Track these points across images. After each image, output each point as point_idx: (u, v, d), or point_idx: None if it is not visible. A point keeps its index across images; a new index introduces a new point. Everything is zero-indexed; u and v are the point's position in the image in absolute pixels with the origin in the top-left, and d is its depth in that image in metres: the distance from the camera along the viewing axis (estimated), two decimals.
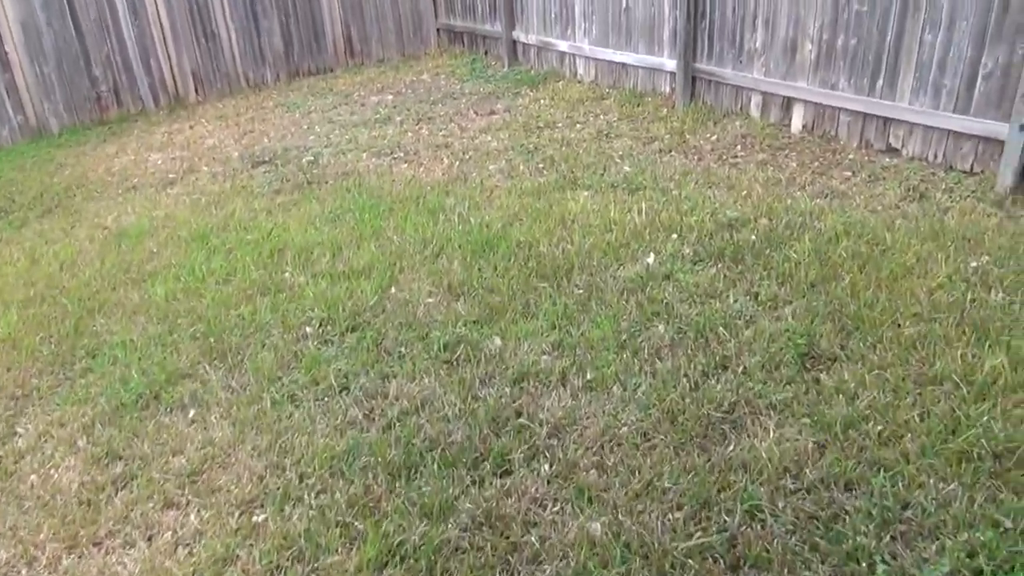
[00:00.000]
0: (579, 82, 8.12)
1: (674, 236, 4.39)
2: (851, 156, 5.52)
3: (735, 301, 3.64)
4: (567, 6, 8.00)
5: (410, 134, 7.15)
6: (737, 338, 3.33)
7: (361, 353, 3.50)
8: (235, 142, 7.65)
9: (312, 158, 6.82)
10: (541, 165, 5.94)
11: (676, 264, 4.05)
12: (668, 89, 7.09)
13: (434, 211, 5.13)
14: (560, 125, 6.85)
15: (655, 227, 4.52)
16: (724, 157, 5.72)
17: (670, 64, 6.89)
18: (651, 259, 4.12)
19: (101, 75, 8.88)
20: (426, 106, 8.01)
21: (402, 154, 6.66)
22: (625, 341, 3.37)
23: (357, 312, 3.87)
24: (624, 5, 7.28)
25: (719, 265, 4.02)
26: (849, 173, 5.29)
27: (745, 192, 5.00)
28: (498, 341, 3.44)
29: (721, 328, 3.40)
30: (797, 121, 5.99)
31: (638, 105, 7.08)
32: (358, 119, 7.84)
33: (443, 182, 5.80)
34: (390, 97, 8.58)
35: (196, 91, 9.41)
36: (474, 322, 3.65)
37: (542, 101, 7.63)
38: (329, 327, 3.77)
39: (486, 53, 9.71)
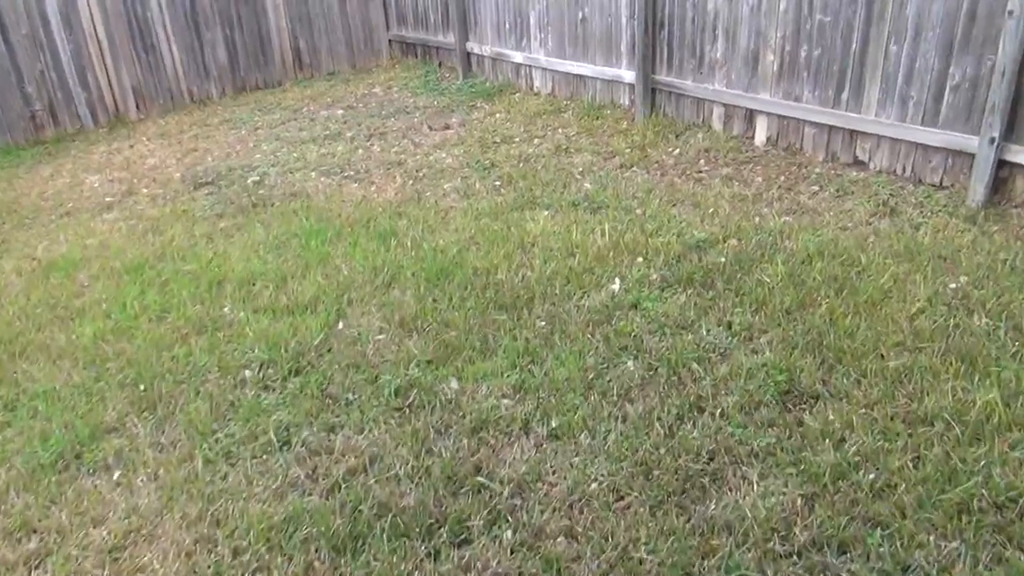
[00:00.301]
0: (536, 94, 7.89)
1: (640, 260, 4.16)
2: (817, 170, 5.36)
3: (708, 332, 3.41)
4: (522, 16, 7.77)
5: (361, 151, 6.85)
6: (712, 375, 3.10)
7: (304, 401, 3.19)
8: (177, 162, 7.26)
9: (258, 178, 6.48)
10: (498, 183, 5.69)
11: (643, 291, 3.82)
12: (627, 101, 6.89)
13: (385, 235, 4.84)
14: (517, 140, 6.61)
15: (620, 250, 4.29)
16: (688, 172, 5.53)
17: (629, 76, 6.70)
18: (617, 286, 3.89)
19: (35, 93, 8.41)
20: (378, 121, 7.71)
21: (352, 173, 6.35)
22: (592, 381, 3.12)
23: (301, 352, 3.56)
24: (580, 16, 7.07)
25: (689, 291, 3.79)
26: (816, 188, 5.13)
27: (712, 210, 4.80)
28: (455, 384, 3.16)
29: (695, 364, 3.17)
30: (761, 134, 5.82)
31: (597, 118, 6.87)
32: (307, 135, 7.51)
33: (395, 203, 5.51)
34: (340, 112, 8.26)
35: (137, 107, 8.98)
36: (428, 362, 3.36)
37: (498, 115, 7.38)
38: (270, 370, 3.46)
39: (440, 65, 9.44)
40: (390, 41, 10.23)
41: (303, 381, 3.32)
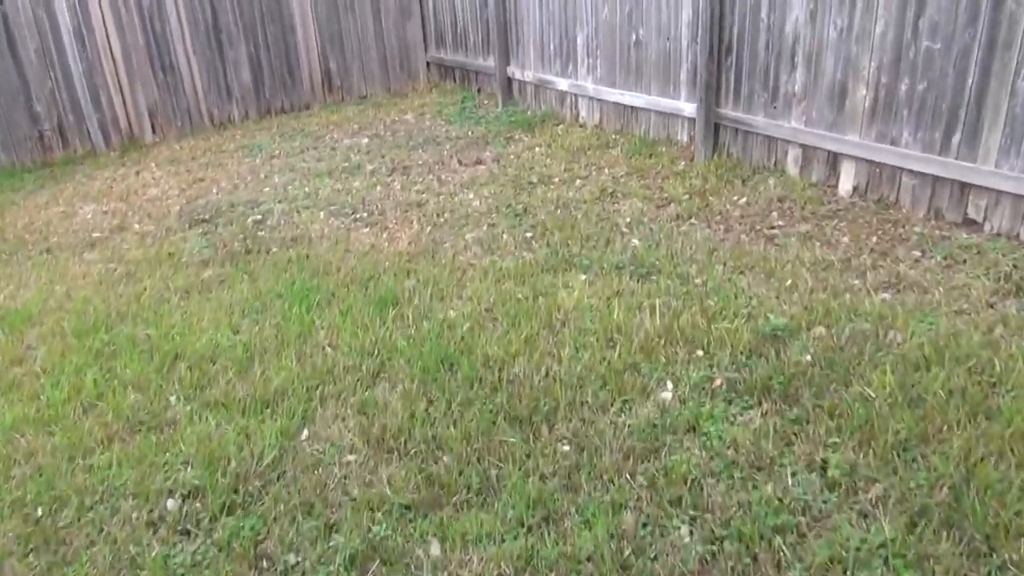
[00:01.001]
0: (581, 126, 7.00)
1: (699, 353, 3.22)
2: (918, 229, 4.35)
3: (794, 477, 2.46)
4: (568, 39, 6.90)
5: (379, 188, 6.03)
6: (803, 559, 2.14)
7: (228, 561, 2.32)
8: (180, 193, 6.56)
9: (260, 217, 5.71)
10: (530, 234, 4.80)
11: (704, 403, 2.88)
12: (686, 138, 5.95)
13: (386, 301, 3.99)
14: (556, 180, 5.71)
15: (673, 337, 3.35)
16: (758, 228, 4.56)
17: (688, 108, 5.76)
18: (668, 393, 2.95)
19: (44, 112, 7.84)
20: (404, 152, 6.90)
21: (366, 214, 5.53)
22: (629, 559, 2.18)
23: (244, 476, 2.71)
24: (634, 38, 6.17)
25: (765, 407, 2.84)
26: (918, 253, 4.13)
27: (790, 281, 3.84)
28: (435, 549, 2.27)
29: (777, 536, 2.21)
30: (846, 182, 4.82)
31: (650, 156, 5.94)
32: (325, 167, 6.73)
33: (407, 255, 4.67)
34: (365, 140, 7.49)
35: (153, 130, 8.35)
36: (405, 508, 2.47)
37: (537, 149, 6.50)
38: (199, 503, 2.60)
39: (479, 90, 8.62)
40: (428, 63, 9.47)
41: (235, 526, 2.46)
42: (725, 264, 4.11)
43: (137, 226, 5.94)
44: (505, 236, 4.81)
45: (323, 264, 4.68)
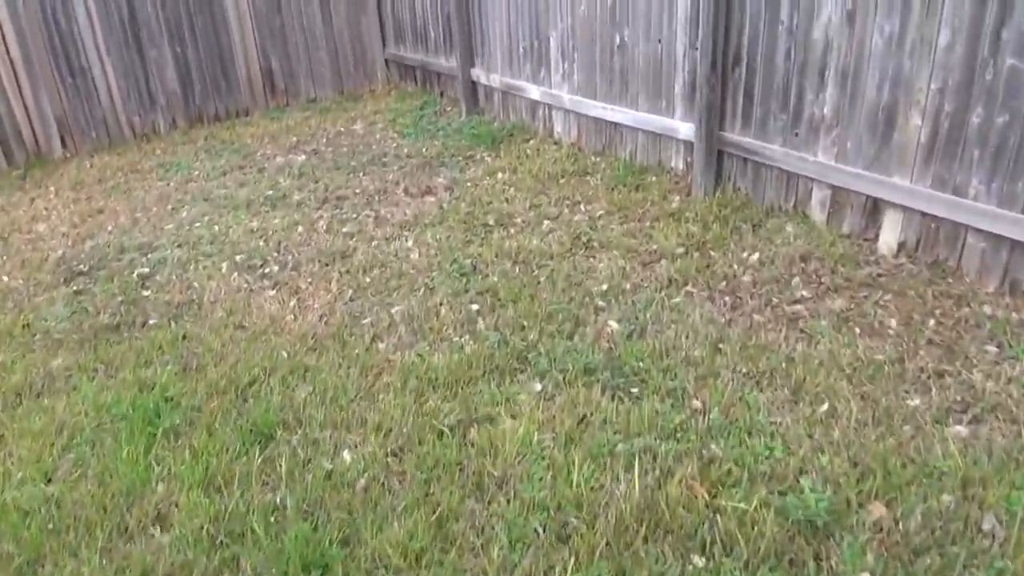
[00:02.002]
0: (555, 143, 5.82)
1: (697, 562, 2.07)
2: (988, 310, 3.23)
3: None
4: (540, 37, 5.71)
5: (302, 228, 4.87)
6: None
7: None
8: (70, 230, 5.41)
9: (149, 270, 4.56)
10: (475, 306, 3.65)
11: None
12: (682, 165, 4.78)
13: (260, 432, 2.86)
14: (519, 221, 4.55)
15: (657, 525, 2.21)
16: (775, 302, 3.42)
17: (685, 129, 4.59)
18: None
19: None
20: (343, 176, 5.73)
21: (276, 268, 4.38)
22: None
23: None
24: (618, 40, 4.98)
25: None
26: (994, 349, 3.02)
27: (826, 405, 2.70)
28: None
29: None
30: (890, 237, 3.67)
31: (637, 188, 4.78)
32: (245, 195, 5.57)
33: (312, 339, 3.55)
34: (301, 158, 6.31)
35: (63, 143, 7.16)
36: None
37: (500, 175, 5.33)
38: None
39: (442, 94, 7.43)
40: (387, 61, 8.26)
41: None
42: (734, 369, 2.97)
43: (5, 279, 4.78)
44: (443, 309, 3.66)
45: (203, 350, 3.53)
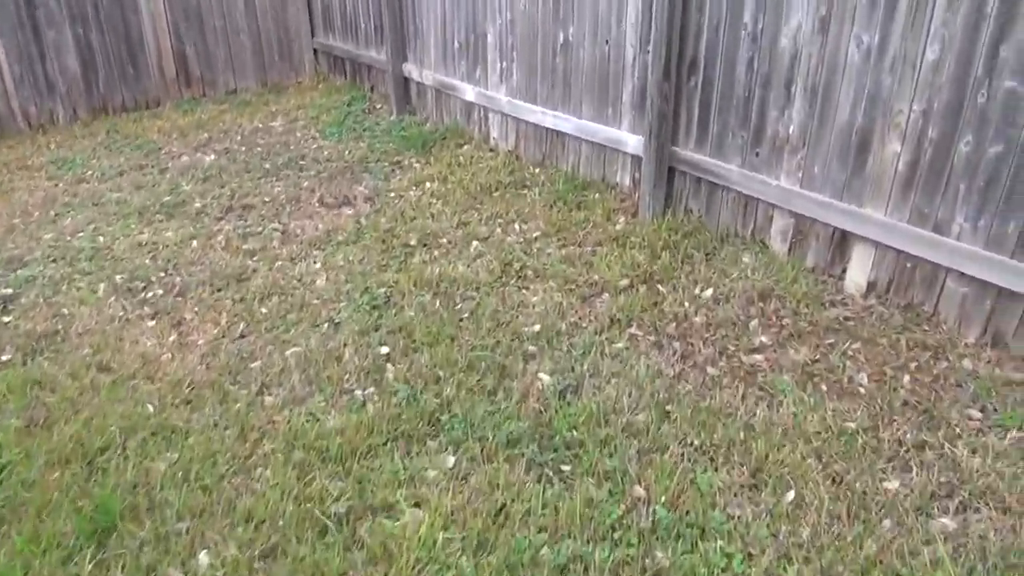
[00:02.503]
0: (492, 150, 5.29)
1: None
2: (968, 364, 2.85)
3: None
4: (476, 34, 5.16)
5: (197, 243, 4.25)
6: None
7: None
8: None
9: (12, 291, 3.89)
10: (385, 350, 3.11)
11: None
12: (628, 182, 4.30)
13: (98, 525, 2.30)
14: (445, 242, 4.01)
15: None
16: (731, 350, 2.96)
17: (632, 142, 4.11)
18: None
19: None
20: (252, 181, 5.11)
21: (161, 292, 3.76)
22: None
23: None
24: (561, 39, 4.47)
25: None
26: (978, 415, 2.69)
27: (791, 491, 2.24)
28: None
29: None
30: (859, 274, 3.24)
31: (579, 206, 4.28)
32: (140, 201, 4.91)
33: (188, 388, 2.99)
34: (210, 158, 5.65)
35: None
36: None
37: (429, 184, 4.78)
38: None
39: (372, 89, 6.82)
40: (316, 51, 7.60)
41: None
42: (684, 441, 2.49)
43: None
44: (347, 352, 3.11)
45: (57, 399, 2.93)
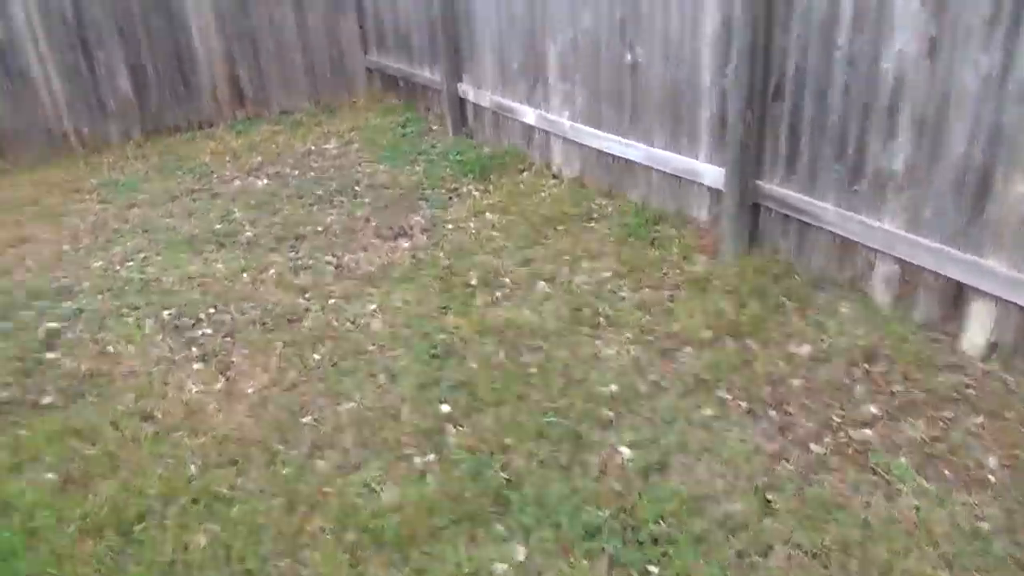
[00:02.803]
0: (554, 176, 5.02)
1: None
2: None
3: None
4: (536, 52, 4.90)
5: (248, 276, 4.06)
6: None
7: None
8: None
9: (59, 325, 3.74)
10: (446, 408, 2.86)
11: None
12: (706, 216, 3.98)
13: None
14: (509, 282, 3.74)
15: None
16: (837, 422, 2.62)
17: (711, 174, 3.79)
18: None
19: None
20: (306, 208, 4.92)
21: (210, 331, 3.58)
22: None
23: None
24: (628, 59, 4.18)
25: None
26: None
27: None
28: None
29: None
30: (978, 334, 2.87)
31: (653, 242, 3.98)
32: (190, 229, 4.76)
33: (233, 444, 2.80)
34: (263, 182, 5.50)
35: (2, 153, 6.32)
36: None
37: (489, 215, 4.52)
38: None
39: (428, 109, 6.61)
40: (368, 69, 7.43)
41: None
42: (790, 540, 2.16)
43: None
44: (406, 410, 2.85)
45: (97, 453, 2.74)
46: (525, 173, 5.09)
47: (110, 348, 3.53)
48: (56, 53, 6.27)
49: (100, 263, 4.44)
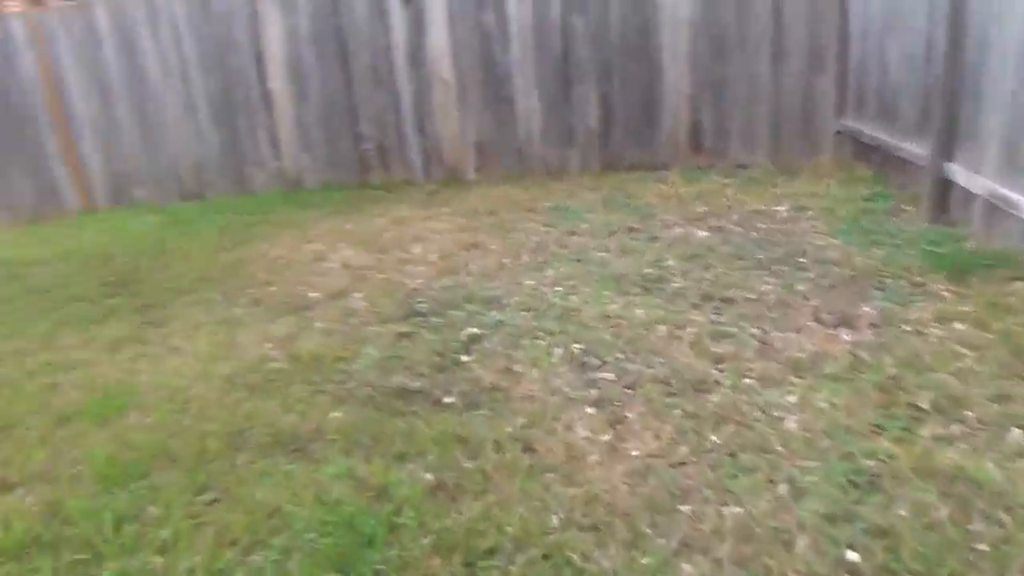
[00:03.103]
0: None
1: None
2: None
3: None
4: None
5: (664, 330, 3.87)
6: None
7: None
8: (437, 260, 5.19)
9: (481, 331, 3.98)
10: (853, 557, 2.30)
11: None
12: None
13: None
14: (972, 417, 2.96)
15: None
16: None
17: None
18: None
19: (368, 131, 7.09)
20: (739, 271, 4.58)
21: (612, 377, 3.47)
22: None
23: None
24: None
25: None
26: None
27: None
28: None
29: None
30: None
31: None
32: (620, 268, 4.75)
33: (603, 509, 2.63)
34: (702, 234, 5.30)
35: (477, 167, 7.13)
36: None
37: (959, 325, 3.68)
38: None
39: (901, 187, 5.79)
40: (838, 132, 6.81)
41: None
42: None
43: (356, 296, 4.65)
44: (801, 542, 2.35)
45: (472, 469, 2.74)
46: (1017, 283, 4.09)
47: (516, 367, 3.58)
48: (540, 85, 6.81)
49: (531, 282, 4.61)
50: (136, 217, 7.22)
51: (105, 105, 7.17)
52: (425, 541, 2.40)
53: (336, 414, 3.28)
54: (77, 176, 7.56)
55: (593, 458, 2.84)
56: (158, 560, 2.49)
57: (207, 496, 2.81)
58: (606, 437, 2.97)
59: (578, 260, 4.94)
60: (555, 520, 2.49)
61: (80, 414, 3.47)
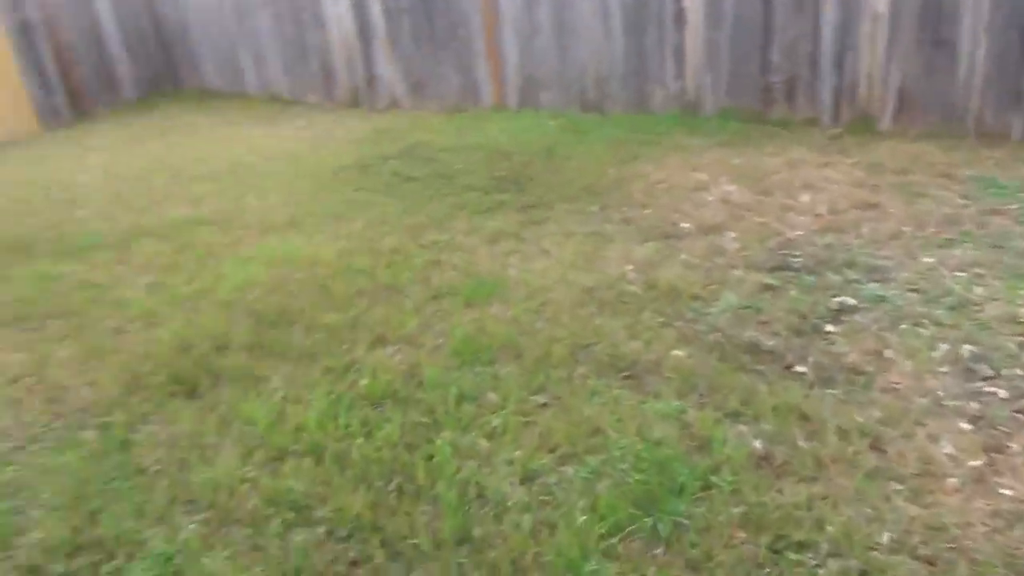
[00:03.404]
0: None
1: None
2: None
3: None
4: None
5: (985, 320, 3.14)
6: None
7: None
8: (824, 214, 4.80)
9: (855, 302, 3.65)
10: None
11: None
12: None
13: None
14: None
15: None
16: None
17: None
18: None
19: (778, 62, 6.68)
20: None
21: (1004, 394, 2.96)
22: None
23: None
24: None
25: None
26: None
27: None
28: None
29: None
30: None
31: None
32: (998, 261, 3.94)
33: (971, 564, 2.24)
34: None
35: (894, 115, 6.37)
36: None
37: None
38: None
39: None
40: None
41: None
42: None
43: (728, 235, 4.55)
44: None
45: (814, 453, 2.59)
46: None
47: (888, 352, 3.19)
48: (991, 31, 5.72)
49: (930, 259, 4.04)
50: (538, 120, 7.67)
51: (528, 6, 7.59)
52: (736, 510, 2.30)
53: (678, 352, 3.23)
54: (495, 75, 8.22)
55: (952, 482, 2.45)
56: (484, 444, 2.71)
57: (540, 398, 2.98)
58: (976, 463, 2.54)
59: (995, 246, 4.18)
60: (886, 537, 2.22)
61: (452, 293, 3.86)
